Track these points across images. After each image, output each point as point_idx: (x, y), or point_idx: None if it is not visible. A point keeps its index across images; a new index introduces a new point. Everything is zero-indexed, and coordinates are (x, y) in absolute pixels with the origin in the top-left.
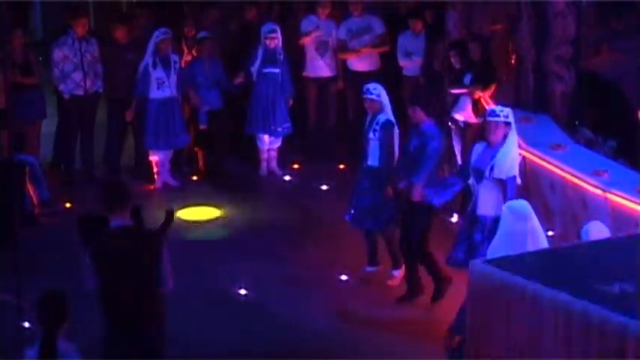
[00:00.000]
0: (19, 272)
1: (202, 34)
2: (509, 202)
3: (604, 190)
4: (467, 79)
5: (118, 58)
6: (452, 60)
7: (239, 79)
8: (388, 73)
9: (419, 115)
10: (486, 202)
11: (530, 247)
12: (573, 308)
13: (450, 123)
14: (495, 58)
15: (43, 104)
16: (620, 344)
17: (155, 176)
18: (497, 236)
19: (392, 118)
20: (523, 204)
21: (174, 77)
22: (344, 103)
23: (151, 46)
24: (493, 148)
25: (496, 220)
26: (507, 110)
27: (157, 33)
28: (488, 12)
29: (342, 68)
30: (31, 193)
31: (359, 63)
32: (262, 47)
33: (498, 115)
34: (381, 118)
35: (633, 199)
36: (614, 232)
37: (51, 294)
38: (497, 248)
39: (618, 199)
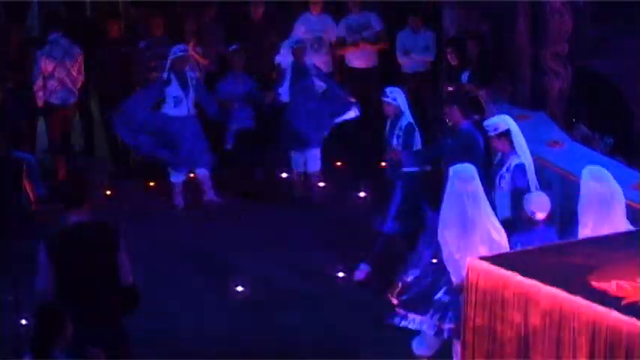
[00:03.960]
0: (15, 269)
1: (232, 47)
2: (455, 166)
3: None
4: (464, 76)
5: (111, 53)
6: (448, 57)
7: (269, 99)
8: (387, 71)
9: (455, 114)
10: (502, 209)
11: (469, 210)
12: (570, 305)
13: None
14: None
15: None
16: (616, 342)
17: (175, 197)
18: (445, 197)
19: (412, 121)
20: (467, 167)
21: (192, 95)
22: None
23: (168, 63)
24: (505, 157)
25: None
26: (498, 121)
27: (174, 50)
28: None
29: (341, 65)
30: (28, 189)
31: (357, 60)
32: (291, 62)
33: (488, 130)
34: (403, 122)
35: (630, 196)
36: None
37: (46, 307)
38: (443, 209)
39: None
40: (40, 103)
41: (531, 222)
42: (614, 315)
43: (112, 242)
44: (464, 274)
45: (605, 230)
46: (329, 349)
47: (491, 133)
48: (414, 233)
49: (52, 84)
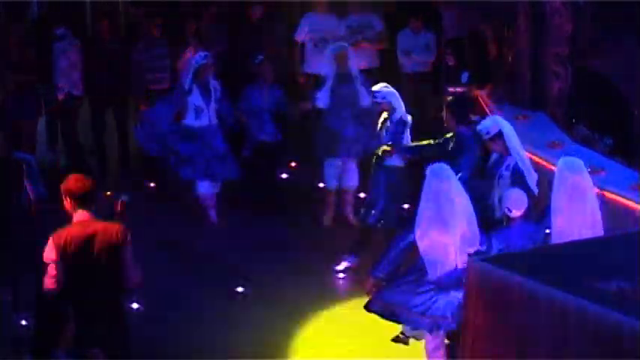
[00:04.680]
0: (15, 269)
1: (260, 57)
2: (432, 165)
3: (601, 188)
4: (464, 77)
5: (101, 53)
6: (447, 58)
7: (304, 107)
8: (388, 71)
9: (449, 120)
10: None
11: (446, 207)
12: (570, 306)
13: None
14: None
15: (40, 102)
16: (617, 343)
17: (205, 211)
18: (422, 196)
19: (405, 116)
20: (443, 167)
21: (213, 105)
22: None
23: (190, 72)
24: (503, 157)
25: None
26: (489, 125)
27: (196, 58)
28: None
29: None
30: (28, 189)
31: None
32: (334, 69)
33: (481, 134)
34: (395, 117)
35: (630, 196)
36: (610, 229)
37: (47, 307)
38: (421, 206)
39: (615, 196)
40: (61, 96)
41: (508, 219)
42: (614, 315)
43: (118, 242)
44: (439, 270)
45: (577, 219)
46: (328, 349)
47: (485, 137)
48: (393, 227)
49: (76, 75)
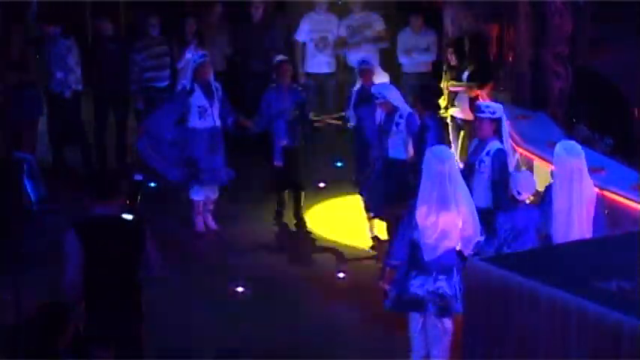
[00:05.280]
0: (16, 269)
1: (279, 58)
2: (432, 147)
3: (601, 188)
4: (464, 76)
5: (102, 50)
6: (448, 57)
7: (331, 120)
8: (388, 71)
9: (418, 107)
10: (479, 194)
11: (448, 188)
12: (570, 306)
13: (447, 120)
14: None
15: (40, 102)
16: (617, 342)
17: (195, 217)
18: (422, 177)
19: (412, 111)
20: (443, 148)
21: (217, 105)
22: (342, 99)
23: (189, 72)
24: (483, 143)
25: (486, 211)
26: (495, 106)
27: (194, 57)
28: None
29: (342, 64)
30: (28, 190)
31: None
32: (358, 87)
33: (484, 112)
34: (403, 112)
35: (630, 196)
36: (611, 229)
37: (48, 306)
38: (422, 187)
39: (615, 196)
40: (68, 93)
41: (514, 201)
42: (614, 315)
43: (137, 239)
44: (438, 253)
45: (576, 202)
46: (328, 349)
47: (486, 115)
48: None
49: (79, 71)
